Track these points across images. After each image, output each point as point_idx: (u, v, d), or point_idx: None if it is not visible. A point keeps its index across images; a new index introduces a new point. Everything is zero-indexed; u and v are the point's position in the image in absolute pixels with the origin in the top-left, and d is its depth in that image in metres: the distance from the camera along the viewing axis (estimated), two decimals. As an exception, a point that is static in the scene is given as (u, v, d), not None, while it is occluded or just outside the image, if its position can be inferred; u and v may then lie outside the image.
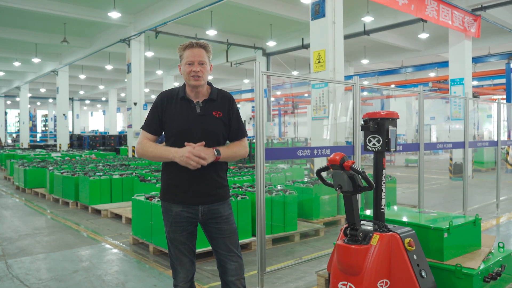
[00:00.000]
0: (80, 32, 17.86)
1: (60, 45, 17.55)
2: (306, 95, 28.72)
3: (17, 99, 34.20)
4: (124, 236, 6.34)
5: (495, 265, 3.35)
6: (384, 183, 3.13)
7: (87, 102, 43.41)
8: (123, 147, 20.20)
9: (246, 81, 28.68)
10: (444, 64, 17.54)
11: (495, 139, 8.10)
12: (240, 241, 5.35)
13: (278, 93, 29.49)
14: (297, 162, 14.21)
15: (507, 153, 16.60)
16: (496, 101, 8.26)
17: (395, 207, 4.78)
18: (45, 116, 44.92)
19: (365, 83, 23.00)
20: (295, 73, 23.38)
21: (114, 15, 13.62)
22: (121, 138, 24.43)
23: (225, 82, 31.34)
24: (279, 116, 38.24)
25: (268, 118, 19.21)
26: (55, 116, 34.17)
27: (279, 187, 6.19)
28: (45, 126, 44.35)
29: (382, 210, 3.09)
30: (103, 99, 39.39)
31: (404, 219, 3.51)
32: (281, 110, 37.55)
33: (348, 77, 18.52)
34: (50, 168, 10.29)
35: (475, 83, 23.04)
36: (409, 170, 17.16)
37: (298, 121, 34.63)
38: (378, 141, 3.12)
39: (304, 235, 6.10)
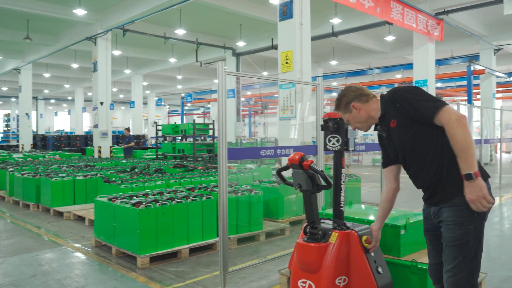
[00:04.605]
0: (44, 29, 17.33)
1: (22, 42, 16.98)
2: (276, 95, 28.86)
3: (-23, 97, 32.92)
4: (86, 238, 6.19)
5: (449, 260, 3.45)
6: (343, 182, 3.18)
7: (52, 101, 42.15)
8: (89, 147, 19.71)
9: (216, 81, 28.51)
10: (410, 66, 18.00)
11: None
12: (205, 241, 5.36)
13: (248, 93, 29.53)
14: (266, 162, 14.27)
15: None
16: (456, 102, 8.54)
17: (359, 206, 4.88)
18: (7, 115, 43.29)
19: (334, 83, 23.32)
20: (265, 73, 23.47)
21: (80, 12, 13.31)
22: (88, 139, 23.84)
23: (195, 82, 31.14)
24: (249, 117, 38.29)
25: (238, 119, 19.19)
26: (18, 116, 33.03)
27: (245, 187, 6.19)
28: (7, 126, 42.77)
29: (341, 209, 3.14)
30: (69, 98, 38.36)
31: (364, 217, 3.58)
32: (251, 111, 37.60)
33: (316, 78, 18.72)
34: (10, 169, 9.93)
35: (439, 84, 23.77)
36: (375, 169, 17.51)
37: (268, 121, 34.79)
38: (337, 141, 3.18)
39: (270, 234, 6.13)
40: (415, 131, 2.43)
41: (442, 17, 13.10)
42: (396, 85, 20.10)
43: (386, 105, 2.55)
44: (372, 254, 2.95)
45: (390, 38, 15.50)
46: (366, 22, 14.05)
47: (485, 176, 2.39)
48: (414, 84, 14.03)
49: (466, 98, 18.68)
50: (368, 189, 10.81)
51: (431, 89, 13.71)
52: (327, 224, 3.09)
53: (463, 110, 17.80)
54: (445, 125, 2.29)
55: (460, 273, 2.33)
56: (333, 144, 3.19)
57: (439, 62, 17.91)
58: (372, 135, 29.14)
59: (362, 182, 8.78)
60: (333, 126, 3.17)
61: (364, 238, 2.94)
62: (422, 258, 3.30)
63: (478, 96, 20.39)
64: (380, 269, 2.93)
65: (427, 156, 2.43)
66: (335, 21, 13.47)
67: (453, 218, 2.35)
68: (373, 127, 2.79)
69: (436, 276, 2.64)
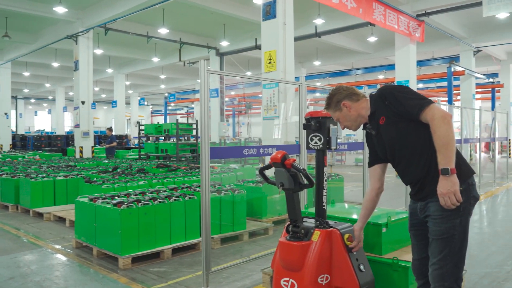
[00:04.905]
0: (23, 27, 16.99)
1: (1, 40, 16.64)
2: (260, 95, 28.90)
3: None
4: (67, 239, 6.09)
5: (430, 257, 3.50)
6: (325, 180, 3.19)
7: (32, 100, 41.40)
8: (70, 147, 19.40)
9: (199, 80, 28.43)
10: (392, 66, 18.23)
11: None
12: (188, 241, 5.33)
13: (232, 93, 29.49)
14: (250, 162, 14.28)
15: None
16: (437, 102, 8.68)
17: (342, 204, 4.91)
18: (-14, 115, 42.29)
19: (318, 84, 23.47)
20: (248, 73, 23.46)
21: (60, 10, 13.10)
22: (69, 139, 23.41)
23: (179, 82, 30.96)
24: (233, 116, 38.24)
25: (222, 119, 19.14)
26: (-4, 115, 32.28)
27: (228, 187, 6.17)
28: (-15, 125, 41.73)
29: (323, 207, 3.15)
30: (50, 97, 37.73)
31: (346, 215, 3.60)
32: (235, 111, 37.56)
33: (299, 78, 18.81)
34: (-12, 169, 9.71)
35: (421, 85, 24.11)
36: (358, 169, 17.67)
37: (252, 121, 34.82)
38: (319, 140, 3.18)
39: (253, 234, 6.12)
40: (403, 127, 2.49)
41: (423, 18, 13.28)
42: (378, 86, 20.36)
43: (375, 103, 2.63)
44: (354, 252, 2.96)
45: (372, 39, 15.65)
46: (349, 23, 14.15)
47: (470, 173, 2.46)
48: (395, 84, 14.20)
49: (447, 98, 19.00)
50: (351, 189, 10.90)
51: (413, 89, 13.88)
52: (310, 222, 3.09)
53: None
54: (430, 121, 2.36)
55: (446, 266, 2.39)
56: (315, 142, 3.20)
57: (420, 63, 18.17)
58: (355, 135, 29.39)
59: (345, 182, 8.85)
60: (315, 124, 3.18)
61: (346, 236, 2.96)
62: (404, 255, 3.34)
63: (458, 97, 20.77)
64: (362, 267, 2.95)
65: (415, 151, 2.49)
66: (318, 21, 13.54)
67: (439, 212, 2.40)
68: (361, 127, 2.82)
69: (419, 271, 2.69)
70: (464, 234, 2.43)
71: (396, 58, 14.20)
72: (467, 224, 2.45)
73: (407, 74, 13.84)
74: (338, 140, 3.43)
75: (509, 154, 18.79)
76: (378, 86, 19.97)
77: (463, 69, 17.57)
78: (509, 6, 11.01)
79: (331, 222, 3.10)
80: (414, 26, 13.06)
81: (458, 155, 2.40)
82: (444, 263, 2.40)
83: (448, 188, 2.29)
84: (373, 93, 2.71)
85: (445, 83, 20.34)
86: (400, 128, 2.50)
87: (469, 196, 2.41)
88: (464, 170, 2.41)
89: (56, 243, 5.92)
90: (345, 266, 2.90)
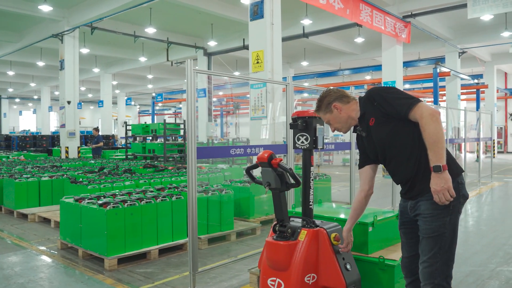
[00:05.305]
0: (7, 25, 16.72)
1: (-16, 38, 16.36)
2: (248, 95, 28.89)
3: None
4: (52, 241, 6.00)
5: (415, 256, 3.53)
6: (312, 180, 3.19)
7: (17, 100, 40.78)
8: (56, 148, 19.15)
9: (186, 80, 28.28)
10: (379, 67, 18.36)
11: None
12: (175, 242, 5.30)
13: (220, 93, 29.43)
14: (238, 162, 14.26)
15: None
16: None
17: (329, 204, 4.93)
18: (-31, 115, 41.58)
19: (305, 84, 23.52)
20: (236, 73, 23.44)
21: (45, 8, 12.91)
22: (54, 139, 23.11)
23: (166, 82, 30.78)
24: (221, 117, 38.15)
25: (209, 119, 19.09)
26: (-20, 115, 31.82)
27: (216, 187, 6.15)
28: (-32, 125, 41.05)
29: (310, 207, 3.16)
30: (35, 97, 37.20)
31: (333, 215, 3.61)
32: (223, 111, 37.48)
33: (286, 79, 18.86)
34: (-29, 170, 9.53)
35: (407, 86, 24.35)
36: (346, 169, 17.77)
37: (240, 122, 34.79)
38: (306, 139, 3.19)
39: (241, 234, 6.11)
40: (392, 127, 2.51)
41: (409, 20, 13.41)
42: (365, 86, 20.51)
43: (364, 105, 2.65)
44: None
45: (359, 40, 15.75)
46: (336, 23, 14.22)
47: (459, 171, 2.48)
48: (382, 85, 14.32)
49: (433, 99, 19.22)
50: (338, 188, 10.96)
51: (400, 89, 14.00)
52: (297, 222, 3.10)
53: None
54: (419, 120, 2.37)
55: (436, 264, 2.42)
56: (302, 142, 3.21)
57: (406, 64, 18.34)
58: (343, 135, 29.58)
59: (333, 182, 8.90)
60: (301, 124, 3.18)
61: (333, 235, 2.97)
62: (390, 254, 3.36)
63: (444, 98, 21.02)
64: (348, 266, 2.96)
65: (405, 151, 2.51)
66: (306, 22, 13.58)
67: (430, 211, 2.43)
68: (351, 129, 2.85)
69: (408, 269, 2.71)
70: (454, 232, 2.47)
71: (383, 59, 14.32)
72: (457, 222, 2.49)
73: (393, 74, 13.96)
74: (326, 140, 3.44)
75: (493, 154, 19.08)
76: (365, 87, 20.17)
77: (449, 70, 17.79)
78: (493, 8, 11.19)
79: (317, 222, 3.10)
80: (400, 27, 13.18)
81: (448, 153, 2.42)
82: (434, 260, 2.42)
83: (441, 185, 2.31)
84: (360, 97, 2.73)
85: (431, 84, 20.56)
86: (389, 129, 2.52)
87: (459, 194, 2.43)
88: (453, 169, 2.43)
89: (41, 244, 5.83)
90: (331, 266, 2.91)
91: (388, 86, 2.63)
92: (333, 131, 2.88)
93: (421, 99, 2.54)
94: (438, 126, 2.32)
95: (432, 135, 2.32)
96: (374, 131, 2.61)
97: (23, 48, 17.59)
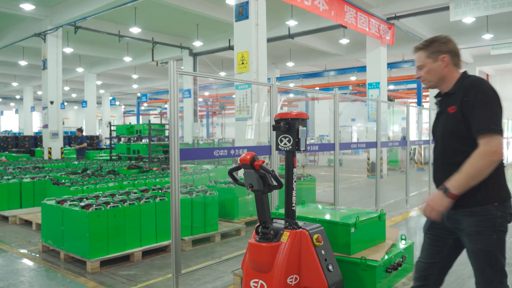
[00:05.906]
0: (-12, 24, 16.43)
1: (-36, 37, 16.03)
2: (233, 96, 28.87)
3: None
4: (33, 243, 5.91)
5: (397, 256, 3.58)
6: (295, 181, 3.21)
7: (-1, 100, 40.10)
8: (38, 148, 18.86)
9: (169, 81, 28.12)
10: (363, 68, 18.51)
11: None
12: (159, 244, 5.26)
13: (206, 94, 29.34)
14: (223, 163, 14.24)
15: (414, 152, 17.94)
16: (406, 104, 8.88)
17: (312, 205, 4.95)
18: (-51, 115, 40.68)
19: (291, 85, 23.63)
20: (222, 74, 23.40)
21: (27, 7, 12.71)
22: (37, 139, 22.74)
23: (151, 82, 30.55)
24: (207, 117, 38.04)
25: (195, 119, 19.02)
26: (-40, 115, 31.13)
27: (200, 188, 6.13)
28: None
29: (293, 208, 3.17)
30: (17, 97, 36.57)
31: (316, 216, 3.63)
32: (209, 111, 37.38)
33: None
34: (-50, 172, 9.32)
35: (392, 87, 24.61)
36: (331, 170, 17.85)
37: (226, 122, 34.72)
38: (289, 141, 3.20)
39: (225, 235, 6.10)
40: (461, 128, 2.30)
41: (393, 22, 13.57)
42: (350, 87, 20.62)
43: (459, 89, 2.38)
44: (323, 252, 3.00)
45: (344, 41, 15.87)
46: (322, 25, 14.31)
47: (508, 197, 2.33)
48: (367, 87, 14.45)
49: (416, 100, 19.47)
50: (323, 189, 11.02)
51: (383, 91, 14.17)
52: (279, 223, 3.11)
53: (413, 111, 18.53)
54: (480, 145, 2.20)
55: (491, 284, 2.30)
56: (285, 144, 3.22)
57: (391, 65, 18.54)
58: (328, 136, 29.74)
59: (318, 182, 8.94)
60: (284, 126, 3.19)
61: (315, 236, 2.99)
62: (372, 255, 3.40)
63: (428, 99, 21.32)
64: (330, 267, 2.98)
65: (459, 156, 2.31)
66: (291, 23, 13.63)
67: (474, 228, 2.29)
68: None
69: (422, 273, 2.55)
70: (502, 249, 2.32)
71: (368, 60, 14.46)
72: (504, 239, 2.33)
73: (378, 76, 14.11)
74: (311, 141, 3.46)
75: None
76: (350, 88, 20.18)
77: (432, 71, 18.00)
78: (474, 11, 11.39)
79: (300, 223, 3.12)
80: (384, 29, 13.32)
81: (500, 175, 2.30)
82: (488, 281, 2.30)
83: (435, 205, 2.25)
84: (466, 74, 2.45)
85: (415, 85, 20.83)
86: (458, 127, 2.32)
87: (506, 213, 2.30)
88: (497, 195, 2.30)
89: (22, 247, 5.74)
90: (313, 267, 2.92)
91: (490, 90, 2.30)
92: (418, 78, 2.56)
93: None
94: (487, 168, 2.17)
95: (475, 168, 2.18)
96: (446, 118, 2.40)
97: (4, 47, 17.28)
